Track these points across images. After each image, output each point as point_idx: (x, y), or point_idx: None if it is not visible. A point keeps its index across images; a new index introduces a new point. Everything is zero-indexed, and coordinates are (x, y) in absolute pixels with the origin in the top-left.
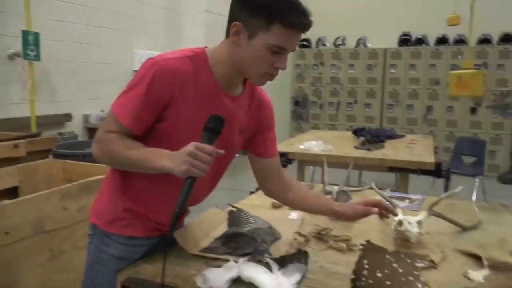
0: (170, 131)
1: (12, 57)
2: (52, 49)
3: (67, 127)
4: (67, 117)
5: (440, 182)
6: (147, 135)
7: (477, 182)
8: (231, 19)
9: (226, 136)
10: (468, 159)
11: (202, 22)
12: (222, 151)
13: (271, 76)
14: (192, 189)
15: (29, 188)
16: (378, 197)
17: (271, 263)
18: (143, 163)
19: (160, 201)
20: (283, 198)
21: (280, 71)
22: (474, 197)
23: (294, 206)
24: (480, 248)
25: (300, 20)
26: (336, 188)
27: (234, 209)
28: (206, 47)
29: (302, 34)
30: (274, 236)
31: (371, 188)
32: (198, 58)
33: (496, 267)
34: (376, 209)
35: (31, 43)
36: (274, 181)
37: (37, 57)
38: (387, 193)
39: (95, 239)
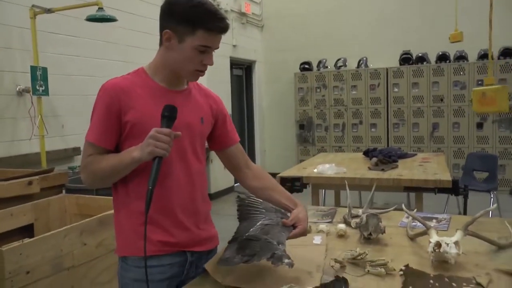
0: (135, 131)
1: (20, 93)
2: (59, 84)
3: (76, 161)
4: (76, 151)
5: (453, 198)
6: (123, 148)
7: (491, 197)
8: (162, 28)
9: (189, 122)
10: (480, 175)
11: None
12: (179, 133)
13: (201, 72)
14: (159, 167)
15: (43, 225)
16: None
17: None
18: (120, 164)
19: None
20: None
21: (281, 95)
22: (490, 213)
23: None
24: None
25: (218, 25)
26: (360, 211)
27: (242, 195)
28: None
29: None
30: (288, 230)
31: (397, 209)
32: (137, 73)
33: None
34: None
35: (39, 78)
36: (244, 169)
37: (46, 92)
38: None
39: (118, 267)
